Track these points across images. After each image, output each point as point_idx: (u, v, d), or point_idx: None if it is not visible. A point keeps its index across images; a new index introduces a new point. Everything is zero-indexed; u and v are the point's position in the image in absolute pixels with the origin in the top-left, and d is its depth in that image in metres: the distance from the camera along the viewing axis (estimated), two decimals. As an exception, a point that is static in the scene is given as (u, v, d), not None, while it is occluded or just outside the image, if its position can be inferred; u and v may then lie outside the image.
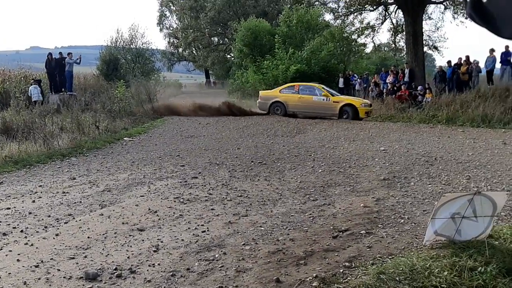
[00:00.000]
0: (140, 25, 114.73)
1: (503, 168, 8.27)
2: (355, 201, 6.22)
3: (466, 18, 24.88)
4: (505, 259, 3.84)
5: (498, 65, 20.36)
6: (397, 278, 3.65)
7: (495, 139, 11.79)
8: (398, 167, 8.48)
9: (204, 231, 5.05)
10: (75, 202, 6.33)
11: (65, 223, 5.43)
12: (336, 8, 28.45)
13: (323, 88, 19.02)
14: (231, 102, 21.61)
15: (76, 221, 5.49)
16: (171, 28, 52.15)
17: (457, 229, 4.30)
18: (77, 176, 8.06)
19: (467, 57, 20.92)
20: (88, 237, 4.88)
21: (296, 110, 18.62)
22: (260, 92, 20.82)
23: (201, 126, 15.22)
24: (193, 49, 49.81)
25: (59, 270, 4.04)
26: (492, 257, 3.86)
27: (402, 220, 5.39)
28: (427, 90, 20.17)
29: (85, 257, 4.35)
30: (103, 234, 4.97)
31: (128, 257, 4.32)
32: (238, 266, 4.09)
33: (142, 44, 39.73)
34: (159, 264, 4.15)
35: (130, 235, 4.95)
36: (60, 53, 21.31)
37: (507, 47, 20.14)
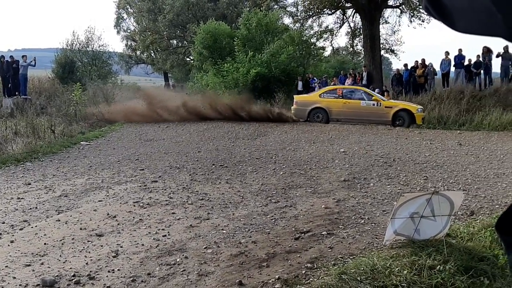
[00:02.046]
0: (96, 28, 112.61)
1: (459, 168, 8.50)
2: (316, 203, 6.26)
3: (423, 21, 25.54)
4: (463, 257, 3.93)
5: (453, 68, 20.99)
6: (359, 278, 3.68)
7: (451, 140, 12.13)
8: (358, 168, 8.60)
9: (165, 235, 4.98)
10: (30, 208, 6.13)
11: (20, 229, 5.24)
12: (295, 12, 28.72)
13: (370, 91, 17.54)
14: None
15: (32, 227, 5.32)
16: (129, 31, 51.38)
17: (416, 229, 4.38)
18: (32, 181, 7.82)
19: (423, 60, 21.48)
20: (45, 244, 4.73)
21: (341, 117, 16.94)
22: (295, 97, 18.68)
23: (160, 129, 15.03)
24: (152, 52, 49.17)
25: (14, 277, 3.90)
26: (450, 255, 3.94)
27: (362, 221, 5.45)
28: (385, 93, 20.57)
29: (42, 264, 4.21)
30: (60, 240, 4.83)
31: (86, 263, 4.20)
32: (200, 270, 4.05)
33: (99, 47, 39.00)
34: (119, 270, 4.06)
35: (88, 241, 4.82)
36: (11, 56, 20.72)
37: (460, 50, 20.78)
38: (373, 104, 16.50)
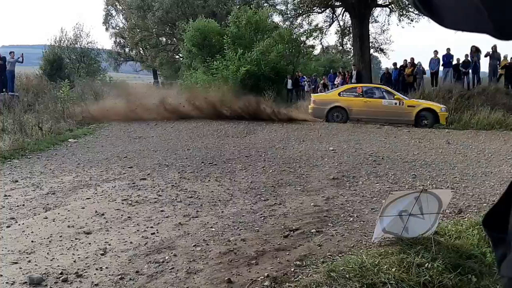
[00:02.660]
0: (85, 24, 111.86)
1: (447, 166, 8.56)
2: (306, 201, 6.27)
3: (410, 19, 25.66)
4: (451, 255, 3.95)
5: (442, 67, 21.13)
6: (347, 276, 3.68)
7: (439, 139, 12.22)
8: (347, 166, 8.62)
9: (154, 233, 4.95)
10: (17, 206, 6.06)
11: (7, 227, 5.18)
12: (284, 10, 28.75)
13: (391, 90, 16.92)
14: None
15: (19, 224, 5.26)
16: (118, 28, 51.11)
17: (405, 226, 4.39)
18: (19, 178, 7.73)
19: (412, 59, 21.60)
20: (32, 241, 4.69)
21: (361, 117, 16.28)
22: (312, 95, 18.10)
23: (149, 127, 14.97)
24: (141, 49, 48.94)
25: (1, 275, 3.85)
26: (438, 253, 3.96)
27: (351, 219, 5.46)
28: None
29: (29, 261, 4.17)
30: (48, 238, 4.78)
31: (74, 261, 4.17)
32: (189, 267, 4.03)
33: (87, 44, 38.86)
34: (107, 268, 4.03)
35: (76, 239, 4.78)
36: (-3, 52, 20.57)
37: (448, 50, 20.93)
38: (395, 103, 15.97)
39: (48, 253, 4.37)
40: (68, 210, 5.84)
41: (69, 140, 12.38)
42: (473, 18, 0.79)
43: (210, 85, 24.14)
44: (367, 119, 16.14)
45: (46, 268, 4.01)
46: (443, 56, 20.93)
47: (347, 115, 16.32)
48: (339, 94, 16.86)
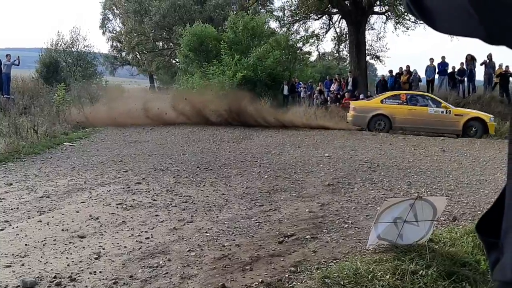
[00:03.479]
0: (82, 28, 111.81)
1: (442, 174, 8.58)
2: (301, 207, 6.26)
3: (404, 25, 25.76)
4: (445, 263, 3.95)
5: (437, 75, 21.26)
6: (342, 282, 3.68)
7: (435, 147, 12.25)
8: (342, 173, 8.62)
9: (148, 238, 4.93)
10: (12, 208, 6.03)
11: (1, 230, 5.15)
12: (281, 16, 28.82)
13: (437, 98, 16.20)
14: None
15: (13, 228, 5.24)
16: (115, 32, 51.12)
17: (399, 233, 4.40)
18: (14, 181, 7.70)
19: (408, 66, 21.70)
20: (26, 245, 4.66)
21: (405, 125, 15.54)
22: (352, 103, 17.33)
23: (145, 131, 14.95)
24: (137, 53, 48.97)
25: (-7, 279, 3.84)
26: (432, 260, 3.96)
27: (346, 225, 5.46)
28: (369, 98, 20.72)
29: (23, 265, 4.15)
30: (42, 241, 4.76)
31: (68, 265, 4.15)
32: (183, 272, 4.02)
33: (84, 47, 38.85)
34: (100, 272, 4.01)
35: (70, 242, 4.76)
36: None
37: (443, 58, 21.05)
38: (442, 112, 15.28)
39: (41, 257, 4.35)
40: (63, 214, 5.82)
41: (64, 143, 12.34)
42: (465, 23, 0.79)
43: (200, 91, 24.05)
44: (411, 128, 15.49)
45: (39, 272, 3.99)
46: (438, 64, 21.06)
47: (390, 123, 15.68)
48: (381, 101, 16.19)
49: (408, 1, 0.89)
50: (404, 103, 15.78)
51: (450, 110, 15.27)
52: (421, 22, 0.91)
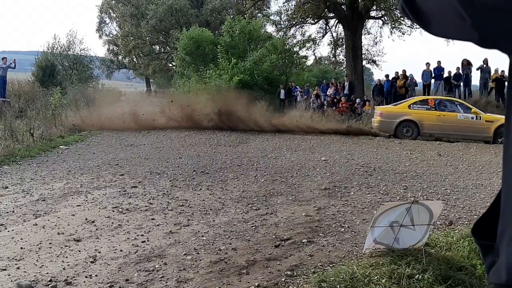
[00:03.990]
0: (78, 31, 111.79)
1: (439, 178, 8.59)
2: (297, 210, 6.26)
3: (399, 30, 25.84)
4: (441, 267, 3.96)
5: (433, 79, 21.34)
6: (338, 286, 3.68)
7: (431, 151, 12.28)
8: (339, 177, 8.63)
9: (144, 241, 4.93)
10: (7, 212, 6.02)
11: (-5, 234, 5.15)
12: (278, 21, 28.86)
13: (466, 103, 15.77)
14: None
15: (9, 231, 5.22)
16: (111, 35, 51.05)
17: (396, 237, 4.40)
18: (9, 184, 7.68)
19: (404, 71, 21.77)
20: (21, 248, 4.65)
21: (434, 132, 15.20)
22: (378, 108, 16.85)
23: (141, 134, 14.93)
24: (134, 57, 48.89)
25: (-12, 283, 3.82)
26: (429, 264, 3.97)
27: (343, 229, 5.46)
28: (366, 102, 20.78)
29: (18, 268, 4.13)
30: (37, 245, 4.75)
31: (63, 268, 4.14)
32: (179, 276, 4.01)
33: (80, 51, 38.81)
34: (96, 275, 4.00)
35: (65, 246, 4.75)
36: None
37: (439, 62, 21.13)
38: (472, 118, 14.76)
39: (37, 260, 4.34)
40: (58, 217, 5.80)
41: (60, 146, 12.32)
42: (458, 26, 0.80)
43: (203, 93, 24.08)
44: (440, 135, 15.14)
45: (35, 275, 3.98)
46: (434, 69, 21.14)
47: (418, 129, 15.25)
48: (409, 106, 15.69)
49: (403, 4, 0.89)
50: (433, 109, 15.37)
51: (480, 116, 14.87)
52: (417, 26, 0.92)
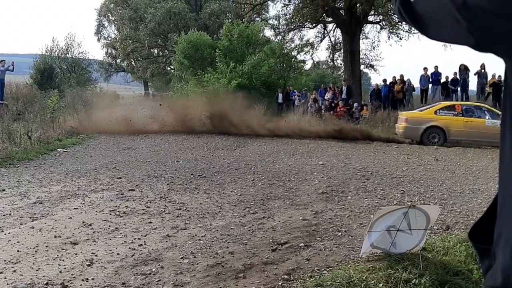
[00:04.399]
0: (76, 34, 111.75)
1: (435, 183, 8.60)
2: (294, 214, 6.26)
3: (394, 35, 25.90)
4: (438, 271, 3.96)
5: (430, 84, 21.40)
6: (335, 290, 3.68)
7: (428, 156, 12.30)
8: (336, 181, 8.63)
9: (141, 245, 4.91)
10: (4, 215, 6.00)
11: (-8, 236, 5.13)
12: (276, 25, 28.91)
13: (493, 109, 15.22)
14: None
15: (5, 234, 5.20)
16: (109, 38, 51.07)
17: (393, 242, 4.40)
18: (6, 187, 7.66)
19: (401, 76, 21.81)
20: (18, 251, 4.63)
21: (461, 138, 14.84)
22: (403, 113, 16.39)
23: (139, 138, 14.92)
24: (132, 60, 48.90)
25: (-16, 286, 3.81)
26: (425, 269, 3.97)
27: (340, 233, 5.46)
28: (364, 107, 20.80)
29: (14, 271, 4.12)
30: (34, 248, 4.74)
31: (60, 272, 4.12)
32: (176, 280, 4.00)
33: (79, 54, 38.89)
34: (93, 279, 3.99)
35: (62, 249, 4.74)
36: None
37: (436, 67, 21.22)
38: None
39: (33, 263, 4.32)
40: (55, 220, 5.79)
41: (58, 149, 12.31)
42: (454, 30, 0.81)
43: (202, 97, 24.05)
44: (467, 141, 14.75)
45: (31, 278, 3.97)
46: (431, 74, 21.20)
47: (444, 136, 14.93)
48: (435, 112, 15.35)
49: (400, 7, 0.90)
50: (460, 115, 15.09)
51: None
52: (415, 31, 0.93)
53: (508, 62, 0.79)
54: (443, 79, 21.10)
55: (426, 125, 14.98)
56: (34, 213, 6.11)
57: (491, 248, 0.85)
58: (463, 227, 5.80)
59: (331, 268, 4.29)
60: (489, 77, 20.24)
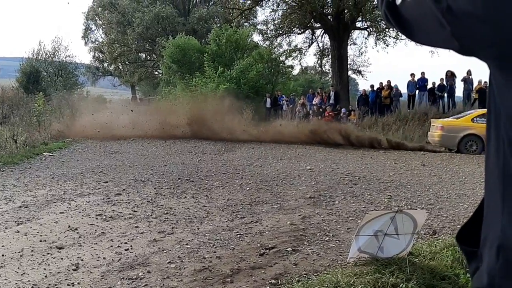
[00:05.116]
0: (64, 38, 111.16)
1: (422, 188, 8.65)
2: (282, 219, 6.26)
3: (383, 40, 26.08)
4: (425, 276, 3.97)
5: (417, 90, 21.54)
6: (323, 295, 3.68)
7: (415, 161, 12.37)
8: (324, 186, 8.65)
9: (128, 249, 4.88)
10: (-13, 219, 5.94)
11: (-24, 241, 5.06)
12: (265, 30, 28.96)
13: None
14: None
15: (-11, 238, 5.15)
16: (97, 42, 50.80)
17: (380, 246, 4.41)
18: (-10, 191, 7.58)
19: (389, 81, 21.93)
20: (3, 255, 4.58)
21: None
22: (436, 121, 15.86)
23: (126, 142, 14.85)
24: (119, 64, 48.65)
25: (-33, 291, 3.76)
26: (412, 273, 3.98)
27: (327, 238, 5.47)
28: (352, 112, 20.89)
29: (-2, 276, 4.07)
30: (19, 252, 4.68)
31: (45, 276, 4.08)
32: (163, 284, 3.97)
33: (66, 57, 38.64)
34: (79, 283, 3.95)
35: (48, 253, 4.69)
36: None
37: (423, 73, 21.35)
38: None
39: (19, 268, 4.28)
40: (41, 224, 5.73)
41: (44, 153, 12.20)
42: (439, 34, 0.81)
43: (189, 102, 23.97)
44: None
45: (16, 283, 3.92)
46: (418, 80, 21.34)
47: (482, 144, 13.71)
48: (472, 120, 14.71)
49: (386, 11, 0.90)
50: None
51: None
52: (402, 37, 0.93)
53: (492, 67, 0.80)
54: (429, 85, 21.25)
55: (464, 133, 14.60)
56: (20, 217, 6.04)
57: (478, 251, 0.85)
58: (449, 231, 5.83)
59: (318, 273, 4.28)
60: (475, 84, 20.43)
